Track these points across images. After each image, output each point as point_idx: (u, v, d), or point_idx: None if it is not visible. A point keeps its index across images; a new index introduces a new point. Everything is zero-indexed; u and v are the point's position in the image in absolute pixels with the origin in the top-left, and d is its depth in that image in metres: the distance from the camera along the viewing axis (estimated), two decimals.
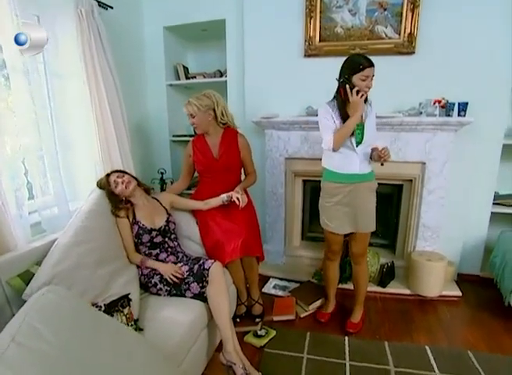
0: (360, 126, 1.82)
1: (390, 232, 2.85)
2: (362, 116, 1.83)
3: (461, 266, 2.71)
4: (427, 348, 1.94)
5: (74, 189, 2.29)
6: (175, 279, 1.68)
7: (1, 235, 1.55)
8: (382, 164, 1.83)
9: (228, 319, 1.61)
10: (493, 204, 2.65)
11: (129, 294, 1.51)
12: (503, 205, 2.66)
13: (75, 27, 2.06)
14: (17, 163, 1.82)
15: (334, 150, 1.85)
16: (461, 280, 2.67)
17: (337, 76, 1.81)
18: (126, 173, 1.94)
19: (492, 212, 2.64)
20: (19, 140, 1.83)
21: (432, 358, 1.86)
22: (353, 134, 1.82)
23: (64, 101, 2.18)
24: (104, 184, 1.86)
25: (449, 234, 2.58)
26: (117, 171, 1.93)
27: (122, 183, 1.83)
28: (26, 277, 1.44)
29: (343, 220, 1.97)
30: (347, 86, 1.74)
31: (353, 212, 1.94)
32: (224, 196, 2.00)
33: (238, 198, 1.94)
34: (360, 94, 1.71)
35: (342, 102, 1.82)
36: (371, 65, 1.71)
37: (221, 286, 1.65)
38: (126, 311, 1.42)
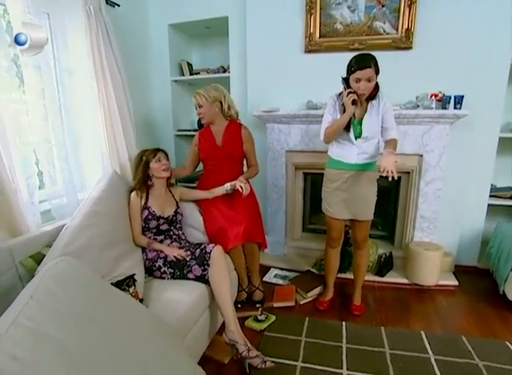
0: (359, 122, 1.92)
1: (389, 224, 2.92)
2: (355, 113, 1.90)
3: (459, 257, 2.77)
4: (422, 332, 2.00)
5: (82, 180, 2.38)
6: (179, 257, 1.78)
7: (14, 219, 1.64)
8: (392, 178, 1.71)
9: (229, 300, 1.69)
10: (490, 196, 2.70)
11: (134, 274, 1.59)
12: (500, 197, 2.71)
13: (83, 24, 2.15)
14: (29, 153, 1.93)
15: (327, 143, 1.96)
16: (459, 271, 2.72)
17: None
18: (168, 159, 2.08)
19: (489, 205, 2.70)
20: (31, 131, 1.93)
21: (426, 341, 1.92)
22: (349, 129, 1.91)
23: (73, 96, 2.27)
24: (148, 155, 1.98)
25: (446, 226, 2.63)
26: (164, 152, 2.07)
27: (164, 164, 1.99)
28: (38, 258, 1.53)
29: (341, 206, 2.05)
30: (343, 86, 1.84)
31: (351, 199, 2.02)
32: (228, 185, 2.08)
33: (241, 187, 2.02)
34: (350, 96, 1.78)
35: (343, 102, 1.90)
36: (362, 68, 1.73)
37: (222, 268, 1.73)
38: (131, 290, 1.51)
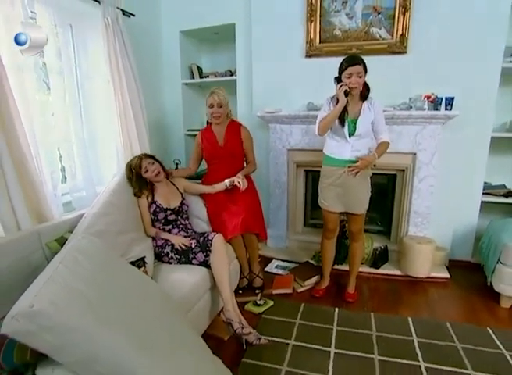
0: (353, 121, 2.10)
1: (386, 219, 3.06)
2: (349, 111, 2.07)
3: (453, 252, 2.89)
4: (409, 318, 2.15)
5: (99, 175, 2.62)
6: (183, 246, 1.97)
7: (41, 207, 1.87)
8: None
9: (227, 282, 1.88)
10: (485, 194, 2.81)
11: (144, 256, 1.81)
12: (494, 195, 2.82)
13: (102, 34, 2.38)
14: (53, 150, 2.17)
15: (321, 135, 2.14)
16: (453, 265, 2.84)
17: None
18: (156, 159, 2.19)
19: (482, 202, 2.81)
20: (56, 130, 2.18)
21: (412, 326, 2.07)
22: (343, 124, 2.08)
23: (92, 98, 2.51)
24: (135, 167, 2.10)
25: (440, 221, 2.76)
26: (148, 156, 2.18)
27: (153, 171, 2.11)
28: (61, 241, 1.75)
29: (335, 200, 2.22)
30: (336, 82, 2.02)
31: (345, 194, 2.19)
32: (227, 181, 2.27)
33: (239, 183, 2.21)
34: (342, 87, 1.96)
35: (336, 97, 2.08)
36: (352, 64, 1.94)
37: (222, 254, 1.93)
38: (141, 270, 1.71)
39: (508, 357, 1.79)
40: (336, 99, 2.07)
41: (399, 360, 1.77)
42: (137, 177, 2.11)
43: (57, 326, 0.85)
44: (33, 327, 0.83)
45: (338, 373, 1.68)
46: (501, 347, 1.87)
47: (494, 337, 1.96)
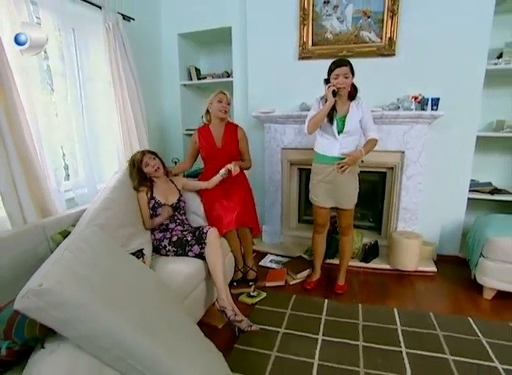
0: (341, 119, 2.21)
1: (377, 215, 3.17)
2: (337, 110, 2.19)
3: (442, 247, 3.00)
4: (395, 309, 2.26)
5: (100, 172, 2.73)
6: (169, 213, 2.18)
7: (45, 202, 1.99)
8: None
9: (221, 272, 1.99)
10: (471, 191, 2.92)
11: (143, 248, 1.92)
12: (481, 192, 2.92)
13: (103, 38, 2.49)
14: (57, 148, 2.29)
15: (310, 133, 2.26)
16: (441, 259, 2.96)
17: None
18: (157, 156, 2.31)
19: (469, 199, 2.91)
20: (59, 129, 2.29)
21: (397, 316, 2.18)
22: (332, 122, 2.19)
23: (93, 100, 2.62)
24: (137, 161, 2.22)
25: (428, 217, 2.87)
26: (150, 152, 2.29)
27: (153, 166, 2.23)
28: (65, 234, 1.86)
29: (325, 196, 2.33)
30: (325, 84, 2.14)
31: (334, 190, 2.30)
32: (222, 170, 2.37)
33: (232, 168, 2.31)
34: (330, 88, 2.08)
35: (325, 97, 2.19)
36: (339, 66, 2.07)
37: (216, 246, 2.04)
38: (140, 260, 1.83)
39: (485, 343, 1.90)
40: (325, 99, 2.18)
41: (382, 346, 1.89)
42: (138, 171, 2.22)
43: (63, 303, 0.96)
44: (41, 304, 0.94)
45: (324, 357, 1.80)
46: (479, 334, 1.98)
47: (474, 325, 2.07)
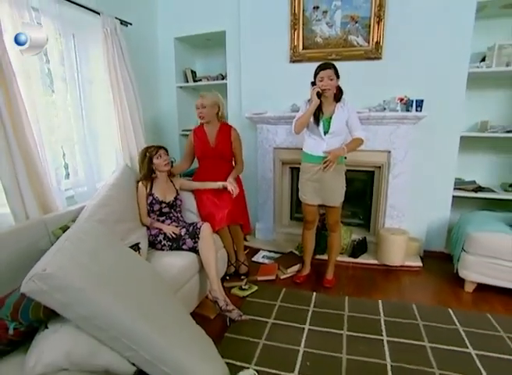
0: (327, 120, 2.32)
1: (366, 213, 3.28)
2: (323, 111, 2.30)
3: (428, 243, 3.11)
4: (379, 301, 2.37)
5: (99, 171, 2.84)
6: (173, 234, 2.20)
7: (46, 198, 2.10)
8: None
9: (214, 265, 2.11)
10: (456, 189, 3.03)
11: (139, 242, 2.03)
12: (465, 190, 3.04)
13: (101, 43, 2.60)
14: (57, 148, 2.39)
15: (296, 133, 2.39)
16: (427, 255, 3.07)
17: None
18: (168, 154, 2.45)
19: (454, 196, 3.03)
20: (59, 130, 2.40)
21: (381, 307, 2.29)
22: (318, 123, 2.31)
23: (92, 102, 2.73)
24: (151, 151, 2.35)
25: (415, 214, 2.99)
26: (164, 148, 2.43)
27: (164, 160, 2.37)
28: (65, 229, 1.94)
29: (313, 194, 2.45)
30: (311, 86, 2.25)
31: (321, 188, 2.41)
32: (221, 184, 2.48)
33: (232, 190, 2.43)
34: (316, 90, 2.20)
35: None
36: (324, 68, 2.20)
37: (209, 241, 2.15)
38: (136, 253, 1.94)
39: (462, 332, 2.01)
40: (311, 101, 2.30)
41: (365, 335, 2.00)
42: (148, 163, 2.34)
43: (65, 286, 1.07)
44: (45, 287, 1.05)
45: (309, 345, 1.91)
46: (457, 323, 2.09)
47: (453, 316, 2.18)
